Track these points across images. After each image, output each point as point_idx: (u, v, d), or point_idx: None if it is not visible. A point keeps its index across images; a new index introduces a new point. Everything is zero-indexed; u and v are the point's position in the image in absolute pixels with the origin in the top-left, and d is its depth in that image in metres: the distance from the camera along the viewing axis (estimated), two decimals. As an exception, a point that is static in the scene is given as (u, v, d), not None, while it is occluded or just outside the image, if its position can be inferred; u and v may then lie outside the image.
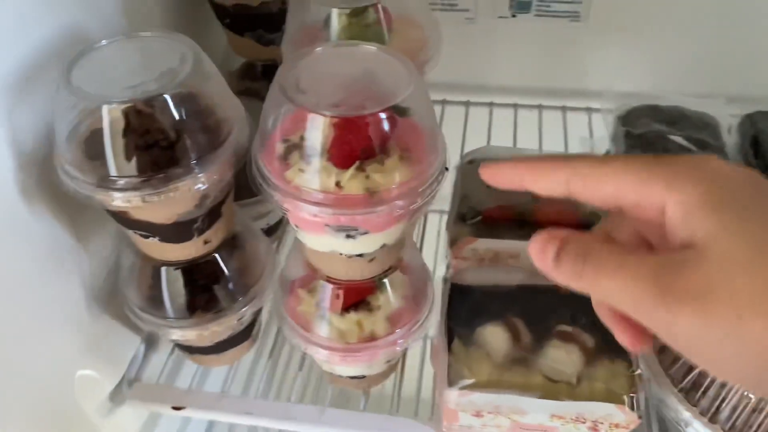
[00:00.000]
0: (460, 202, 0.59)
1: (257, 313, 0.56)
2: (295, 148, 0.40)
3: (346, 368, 0.54)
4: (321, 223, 0.41)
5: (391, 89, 0.39)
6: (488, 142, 0.79)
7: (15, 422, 0.45)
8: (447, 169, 0.42)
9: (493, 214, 0.57)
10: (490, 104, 0.84)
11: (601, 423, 0.47)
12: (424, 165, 0.41)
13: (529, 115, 0.82)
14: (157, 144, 0.41)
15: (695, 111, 0.67)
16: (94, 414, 0.53)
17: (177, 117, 0.41)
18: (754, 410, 0.45)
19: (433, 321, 0.52)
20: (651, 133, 0.64)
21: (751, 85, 0.77)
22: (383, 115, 0.38)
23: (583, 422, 0.47)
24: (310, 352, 0.50)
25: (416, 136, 0.41)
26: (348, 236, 0.42)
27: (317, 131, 0.38)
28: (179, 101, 0.40)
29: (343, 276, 0.46)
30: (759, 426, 0.46)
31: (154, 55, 0.42)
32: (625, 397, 0.45)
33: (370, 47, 0.42)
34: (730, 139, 0.65)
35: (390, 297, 0.50)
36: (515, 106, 0.83)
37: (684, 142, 0.63)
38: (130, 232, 0.46)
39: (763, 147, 0.63)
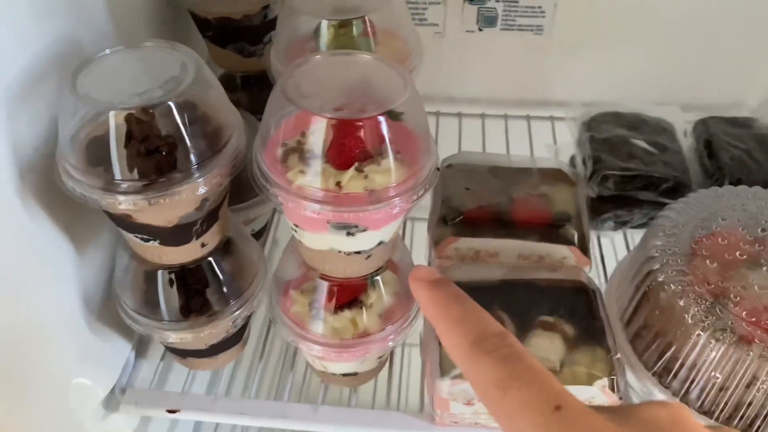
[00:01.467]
0: (441, 204, 0.62)
1: (249, 317, 0.57)
2: (293, 151, 0.42)
3: (339, 365, 0.56)
4: (323, 220, 0.43)
5: (388, 95, 0.42)
6: (459, 149, 0.82)
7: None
8: (438, 169, 0.45)
9: (474, 215, 0.60)
10: (459, 114, 0.87)
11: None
12: (418, 166, 0.43)
13: (496, 124, 0.86)
14: (160, 149, 0.42)
15: (653, 117, 0.72)
16: (88, 421, 0.53)
17: (180, 123, 0.42)
18: (720, 389, 0.49)
19: (422, 316, 0.54)
20: (615, 138, 0.69)
21: (701, 94, 0.83)
22: (381, 119, 0.41)
23: (568, 406, 0.50)
24: (305, 348, 0.51)
25: (411, 139, 0.44)
26: (348, 233, 0.44)
27: (320, 133, 0.40)
28: (183, 108, 0.42)
29: (341, 273, 0.48)
30: (726, 403, 0.49)
31: (156, 64, 0.44)
32: (606, 380, 0.48)
33: (366, 56, 0.44)
34: (686, 142, 0.70)
35: (382, 294, 0.52)
36: (482, 116, 0.87)
37: (645, 146, 0.68)
38: (130, 236, 0.47)
39: (715, 149, 0.68)
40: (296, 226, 0.46)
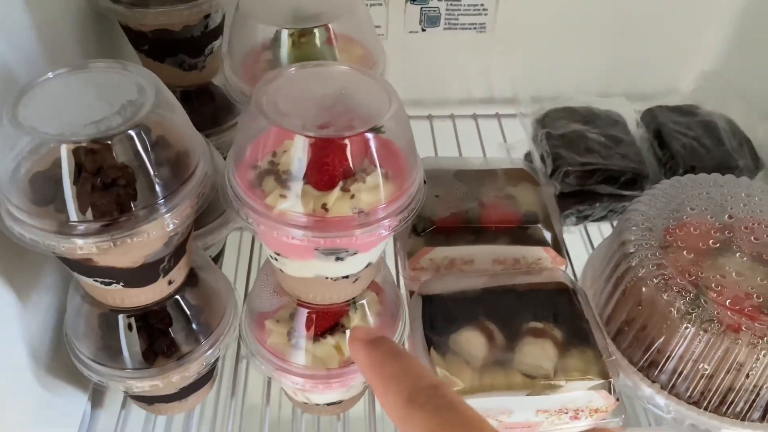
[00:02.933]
0: (412, 213, 0.59)
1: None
2: (267, 173, 0.39)
3: (323, 396, 0.52)
4: (310, 247, 0.39)
5: (373, 108, 0.39)
6: (435, 150, 0.80)
7: None
8: (425, 182, 0.43)
9: (445, 223, 0.58)
10: (429, 117, 0.85)
11: (582, 410, 0.49)
12: (407, 181, 0.41)
13: (444, 126, 0.85)
14: (118, 181, 0.38)
15: (603, 109, 0.73)
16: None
17: (143, 152, 0.38)
18: (710, 377, 0.50)
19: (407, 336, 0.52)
20: (571, 133, 0.69)
21: (640, 84, 0.85)
22: (370, 135, 0.38)
23: (566, 412, 0.49)
24: (289, 383, 0.48)
25: (396, 154, 0.41)
26: (338, 258, 0.41)
27: (300, 153, 0.37)
28: (145, 135, 0.38)
29: (326, 300, 0.45)
30: (715, 390, 0.50)
31: (108, 88, 0.39)
32: (603, 383, 0.47)
33: (343, 67, 0.41)
34: (638, 133, 0.71)
35: (366, 315, 0.49)
36: (429, 117, 0.86)
37: (602, 139, 0.68)
38: (88, 281, 0.42)
39: (666, 138, 0.70)
40: (277, 254, 0.42)
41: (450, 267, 0.59)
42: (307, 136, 0.36)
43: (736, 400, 0.50)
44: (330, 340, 0.48)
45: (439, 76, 0.86)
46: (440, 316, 0.52)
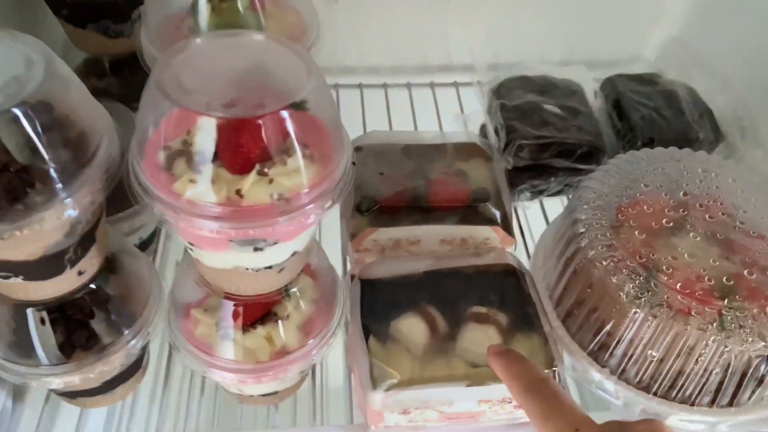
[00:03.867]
0: (355, 192, 0.56)
1: (148, 342, 0.50)
2: (179, 154, 0.35)
3: (256, 387, 0.50)
4: (224, 238, 0.36)
5: (290, 83, 0.35)
6: (363, 125, 0.77)
7: None
8: (354, 163, 0.39)
9: (390, 202, 0.55)
10: (360, 86, 0.81)
11: (526, 399, 0.47)
12: (332, 163, 0.37)
13: (399, 95, 0.81)
14: (8, 168, 0.34)
15: (561, 78, 0.70)
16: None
17: (32, 134, 0.34)
18: (660, 361, 0.48)
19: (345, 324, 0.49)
20: (526, 104, 0.65)
21: (602, 51, 0.81)
22: (285, 114, 0.34)
23: (509, 402, 0.47)
24: (216, 378, 0.45)
25: (320, 133, 0.38)
26: (256, 249, 0.37)
27: (210, 134, 0.33)
28: (33, 115, 0.34)
29: (250, 291, 0.42)
30: (666, 374, 0.48)
31: (-10, 61, 0.35)
32: (547, 372, 0.45)
33: (258, 36, 0.37)
34: (596, 103, 0.68)
35: (299, 304, 0.46)
36: (385, 86, 0.82)
37: (558, 111, 0.65)
38: (-14, 275, 0.39)
39: (625, 109, 0.67)
40: (191, 244, 0.39)
41: (395, 248, 0.56)
42: (212, 116, 0.33)
43: (686, 384, 0.48)
44: (261, 331, 0.45)
45: (393, 42, 0.82)
46: (381, 302, 0.49)
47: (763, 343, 0.45)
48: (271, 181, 0.35)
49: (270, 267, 0.40)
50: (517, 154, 0.63)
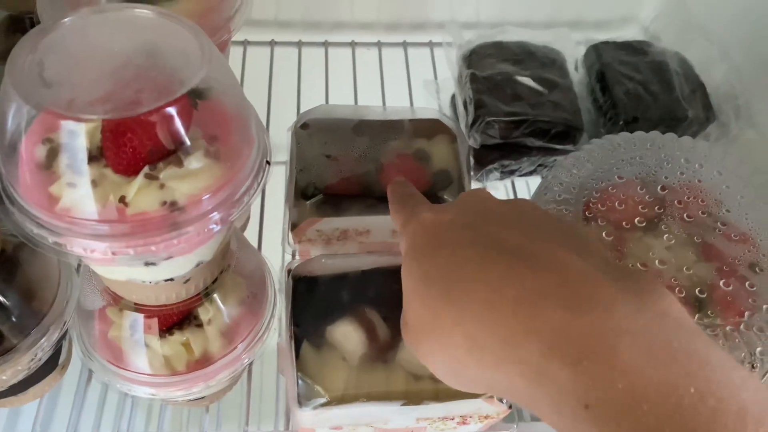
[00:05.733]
0: (298, 175, 0.51)
1: (62, 338, 0.45)
2: (57, 153, 0.30)
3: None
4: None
5: (180, 68, 0.30)
6: (326, 88, 0.70)
7: None
8: (269, 162, 0.34)
9: (337, 189, 0.50)
10: (325, 44, 0.75)
11: (470, 417, 0.43)
12: (239, 160, 0.32)
13: (367, 54, 0.75)
14: None
15: (540, 46, 0.63)
16: None
17: None
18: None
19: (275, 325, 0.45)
20: (498, 75, 0.59)
21: (591, 10, 0.74)
22: (172, 108, 0.29)
23: (452, 419, 0.43)
24: (129, 392, 0.41)
25: (223, 125, 0.32)
26: (147, 264, 0.32)
27: (79, 137, 0.28)
28: None
29: (153, 302, 0.37)
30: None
31: None
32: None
33: (145, 12, 0.31)
34: (577, 75, 0.62)
35: (222, 307, 0.41)
36: (353, 44, 0.75)
37: (532, 84, 0.59)
38: None
39: (609, 82, 0.60)
40: (78, 253, 0.34)
41: (342, 239, 0.51)
42: (70, 119, 0.27)
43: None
44: (178, 337, 0.41)
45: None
46: (316, 304, 0.44)
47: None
48: (162, 186, 0.30)
49: (171, 279, 0.35)
50: (485, 131, 0.57)
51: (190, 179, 0.31)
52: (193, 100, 0.31)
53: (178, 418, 0.50)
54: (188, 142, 0.31)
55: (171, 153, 0.30)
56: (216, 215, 0.31)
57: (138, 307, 0.38)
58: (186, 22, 0.31)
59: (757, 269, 0.44)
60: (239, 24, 0.43)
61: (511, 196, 0.63)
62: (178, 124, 0.30)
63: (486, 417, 0.43)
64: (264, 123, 0.65)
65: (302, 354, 0.42)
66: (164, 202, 0.30)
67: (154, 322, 0.39)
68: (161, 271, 0.34)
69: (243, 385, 0.50)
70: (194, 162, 0.31)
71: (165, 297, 0.37)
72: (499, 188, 0.63)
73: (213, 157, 0.32)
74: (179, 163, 0.31)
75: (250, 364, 0.50)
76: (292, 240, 0.50)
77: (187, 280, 0.36)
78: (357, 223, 0.50)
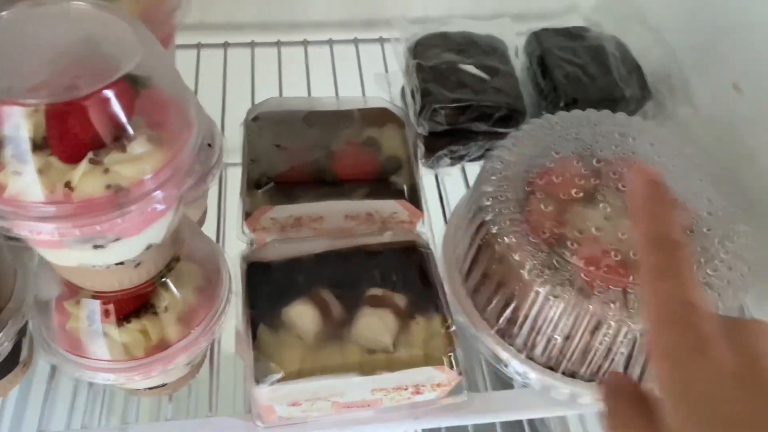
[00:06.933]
0: (250, 166, 0.52)
1: (20, 334, 0.46)
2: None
3: (141, 382, 0.47)
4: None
5: (116, 55, 0.31)
6: (280, 86, 0.72)
7: None
8: (210, 145, 0.35)
9: (288, 177, 0.51)
10: (278, 43, 0.76)
11: (423, 386, 0.44)
12: (179, 143, 0.34)
13: (319, 52, 0.76)
14: None
15: (483, 35, 0.65)
16: None
17: None
18: (566, 338, 0.46)
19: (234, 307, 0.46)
20: (442, 65, 0.61)
21: (535, 2, 0.77)
22: (109, 92, 0.30)
23: (406, 389, 0.44)
24: (90, 380, 0.42)
25: (164, 109, 0.34)
26: (96, 246, 0.34)
27: (20, 126, 0.29)
28: None
29: (107, 288, 0.39)
30: (573, 351, 0.46)
31: None
32: (444, 358, 0.43)
33: (82, 4, 0.32)
34: (519, 61, 0.65)
35: (177, 293, 0.43)
36: (305, 42, 0.77)
37: (475, 71, 0.61)
38: None
39: (549, 66, 0.63)
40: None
41: (297, 226, 0.53)
42: (23, 105, 0.28)
43: (593, 363, 0.46)
44: (135, 324, 0.42)
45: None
46: (272, 288, 0.46)
47: (668, 322, 0.42)
48: (106, 170, 0.32)
49: (122, 263, 0.36)
50: (432, 118, 0.59)
51: (134, 164, 0.32)
52: (134, 87, 0.32)
53: (146, 409, 0.50)
54: (130, 128, 0.32)
55: (116, 139, 0.32)
56: (159, 194, 0.33)
57: (94, 295, 0.39)
58: (122, 13, 0.32)
59: (687, 232, 0.46)
60: (182, 16, 0.44)
61: (463, 181, 0.65)
62: (118, 108, 0.31)
63: (439, 385, 0.45)
64: (219, 123, 0.67)
65: (259, 336, 0.44)
66: (108, 186, 0.32)
67: (111, 309, 0.40)
68: (110, 255, 0.35)
69: (206, 373, 0.51)
70: (137, 147, 0.32)
71: (118, 282, 0.38)
72: (451, 174, 0.65)
73: (156, 143, 0.33)
74: (122, 149, 0.32)
75: (212, 351, 0.51)
76: (247, 229, 0.51)
77: (138, 264, 0.37)
78: (309, 210, 0.51)
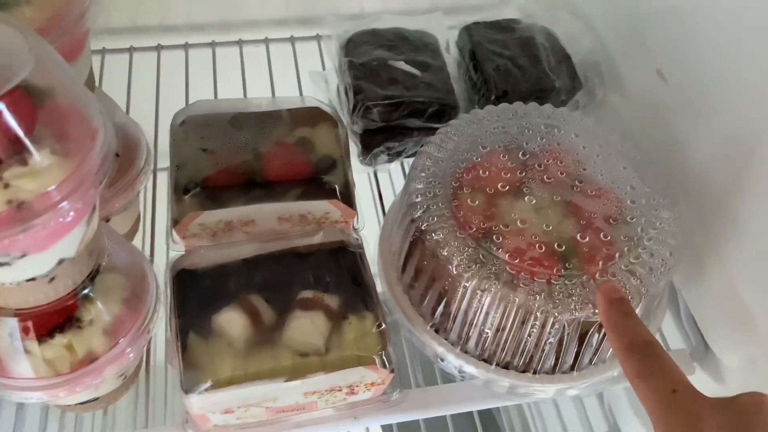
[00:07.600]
0: (177, 172, 0.51)
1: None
2: None
3: (70, 397, 0.46)
4: (-45, 255, 0.31)
5: (7, 66, 0.30)
6: (215, 87, 0.71)
7: None
8: (118, 155, 0.35)
9: (216, 181, 0.51)
10: (213, 44, 0.75)
11: (357, 386, 0.45)
12: (83, 153, 0.33)
13: (255, 51, 0.76)
14: None
15: (414, 30, 0.66)
16: None
17: None
18: (497, 330, 0.46)
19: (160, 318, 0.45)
20: (373, 62, 0.61)
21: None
22: (1, 104, 0.29)
23: (340, 390, 0.44)
24: (17, 400, 0.41)
25: (67, 120, 0.33)
26: (1, 264, 0.33)
27: None
28: None
29: (22, 304, 0.38)
30: (505, 344, 0.47)
31: None
32: (375, 357, 0.43)
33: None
34: (450, 57, 0.65)
35: (101, 306, 0.42)
36: (240, 42, 0.76)
37: (407, 67, 0.61)
38: None
39: (480, 60, 0.64)
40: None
41: (228, 231, 0.52)
42: None
43: (525, 354, 0.47)
44: (60, 339, 0.41)
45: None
46: (201, 295, 0.45)
47: (593, 310, 0.43)
48: (6, 185, 0.31)
49: (33, 279, 0.35)
50: (366, 116, 0.59)
51: (36, 177, 0.31)
52: (33, 98, 0.31)
53: (88, 424, 0.50)
54: (30, 141, 0.31)
55: (16, 152, 0.31)
56: (65, 206, 0.32)
57: (15, 312, 0.38)
58: (13, 22, 0.31)
59: (611, 221, 0.47)
60: (95, 17, 0.43)
61: (402, 178, 0.65)
62: (13, 120, 0.30)
63: (372, 384, 0.45)
64: (153, 127, 0.66)
65: (189, 344, 0.43)
66: (9, 201, 0.31)
67: (30, 325, 0.39)
68: (19, 271, 0.34)
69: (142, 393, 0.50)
70: (40, 159, 0.31)
71: (33, 298, 0.37)
72: (389, 171, 0.65)
73: (60, 155, 0.32)
74: (23, 162, 0.31)
75: (147, 362, 0.51)
76: (177, 236, 0.51)
77: (52, 279, 0.36)
78: (239, 214, 0.51)
